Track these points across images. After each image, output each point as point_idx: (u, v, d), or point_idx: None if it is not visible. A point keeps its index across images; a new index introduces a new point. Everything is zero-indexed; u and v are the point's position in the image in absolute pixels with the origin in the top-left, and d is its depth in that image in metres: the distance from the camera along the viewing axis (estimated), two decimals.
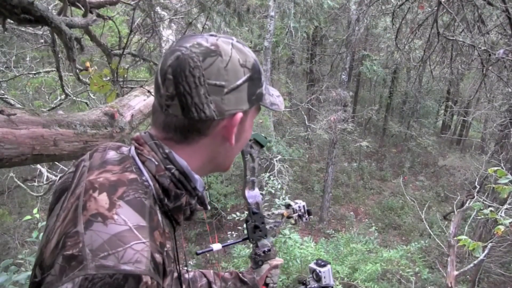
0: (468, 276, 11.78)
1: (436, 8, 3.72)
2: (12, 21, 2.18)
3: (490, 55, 3.69)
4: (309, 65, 19.04)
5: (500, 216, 3.64)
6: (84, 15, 2.78)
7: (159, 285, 0.79)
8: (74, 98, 3.43)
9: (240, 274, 1.48)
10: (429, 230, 9.79)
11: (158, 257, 0.79)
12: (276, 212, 1.51)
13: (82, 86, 3.66)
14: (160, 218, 0.87)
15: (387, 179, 18.59)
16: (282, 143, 13.71)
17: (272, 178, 10.12)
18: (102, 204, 0.81)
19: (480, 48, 3.74)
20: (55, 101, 4.89)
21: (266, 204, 9.16)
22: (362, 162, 19.17)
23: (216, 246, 1.43)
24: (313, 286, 1.56)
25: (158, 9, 4.10)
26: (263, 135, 1.41)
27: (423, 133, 19.45)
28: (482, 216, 3.69)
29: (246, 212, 1.55)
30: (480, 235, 10.29)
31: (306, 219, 1.55)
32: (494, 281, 12.11)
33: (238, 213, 7.86)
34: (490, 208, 3.72)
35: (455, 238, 5.59)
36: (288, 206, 1.56)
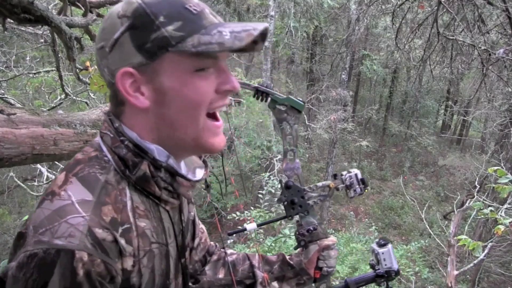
0: (468, 276, 11.79)
1: (436, 7, 3.72)
2: (12, 21, 2.18)
3: (490, 54, 3.69)
4: (309, 65, 19.03)
5: (500, 215, 3.64)
6: (84, 15, 2.78)
7: (107, 263, 0.75)
8: (74, 97, 3.42)
9: (287, 257, 1.33)
10: (429, 230, 9.79)
11: (100, 232, 0.75)
12: (320, 184, 1.31)
13: (82, 85, 3.65)
14: (128, 194, 0.84)
15: (387, 178, 18.59)
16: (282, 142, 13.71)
17: (272, 178, 10.11)
18: (57, 182, 0.81)
19: (480, 47, 3.74)
20: (55, 101, 4.88)
21: (265, 204, 9.16)
22: (362, 161, 19.17)
23: (250, 226, 1.32)
24: (380, 270, 1.35)
25: None
26: (299, 99, 1.23)
27: (423, 133, 19.46)
28: (482, 216, 3.69)
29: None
30: (480, 235, 10.29)
31: (358, 190, 1.31)
32: (494, 280, 12.13)
33: (238, 213, 7.86)
34: (490, 208, 3.72)
35: (455, 237, 5.60)
36: (335, 176, 1.34)
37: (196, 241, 1.23)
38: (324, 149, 17.58)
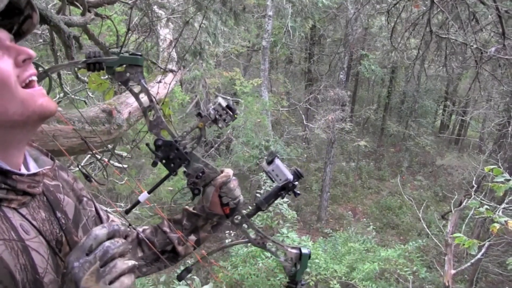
0: (466, 276, 11.83)
1: (430, 7, 3.75)
2: None
3: (482, 53, 3.72)
4: (307, 65, 19.06)
5: (497, 215, 3.67)
6: (83, 14, 2.80)
7: None
8: (73, 96, 3.44)
9: (191, 209, 1.38)
10: (427, 230, 9.83)
11: None
12: (188, 129, 1.27)
13: (81, 84, 3.67)
14: None
15: (385, 178, 18.62)
16: (280, 142, 13.73)
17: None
18: None
19: (472, 46, 3.76)
20: (54, 99, 4.89)
21: None
22: (360, 161, 19.20)
23: (143, 196, 1.31)
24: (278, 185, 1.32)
25: (155, 8, 4.12)
26: (134, 53, 1.17)
27: (421, 133, 19.51)
28: (478, 215, 3.72)
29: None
30: (478, 234, 10.32)
31: (227, 119, 1.26)
32: (492, 280, 12.16)
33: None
34: (486, 206, 3.75)
35: (452, 236, 5.63)
36: (199, 114, 1.27)
37: None
38: (322, 149, 17.59)
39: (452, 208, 8.23)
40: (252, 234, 1.38)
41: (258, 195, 9.26)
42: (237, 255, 8.41)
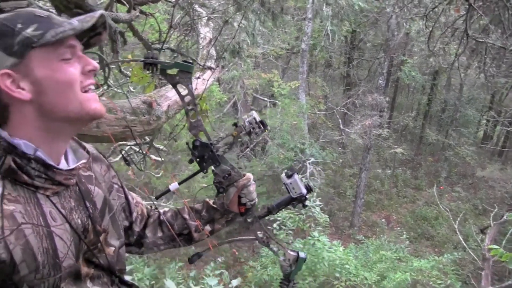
0: None
1: (467, 11, 3.65)
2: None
3: None
4: (346, 69, 18.90)
5: None
6: (128, 11, 2.89)
7: None
8: (115, 89, 3.57)
9: (211, 202, 1.54)
10: (464, 243, 9.53)
11: None
12: (224, 135, 1.45)
13: (123, 78, 3.81)
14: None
15: (421, 188, 18.20)
16: (315, 146, 13.66)
17: (304, 180, 10.11)
18: None
19: None
20: (97, 92, 5.04)
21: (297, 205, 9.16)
22: (397, 169, 18.85)
23: (173, 186, 1.49)
24: (293, 196, 1.52)
25: (196, 7, 4.19)
26: (187, 61, 1.34)
27: (462, 143, 18.90)
28: None
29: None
30: None
31: (259, 133, 1.43)
32: None
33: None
34: None
35: (488, 247, 5.45)
36: (235, 124, 1.46)
37: (134, 215, 1.44)
38: (358, 155, 17.38)
39: (491, 222, 7.95)
40: (259, 234, 1.55)
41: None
42: (267, 255, 8.42)
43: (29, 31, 0.97)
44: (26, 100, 0.99)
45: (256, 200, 1.52)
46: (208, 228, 1.54)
